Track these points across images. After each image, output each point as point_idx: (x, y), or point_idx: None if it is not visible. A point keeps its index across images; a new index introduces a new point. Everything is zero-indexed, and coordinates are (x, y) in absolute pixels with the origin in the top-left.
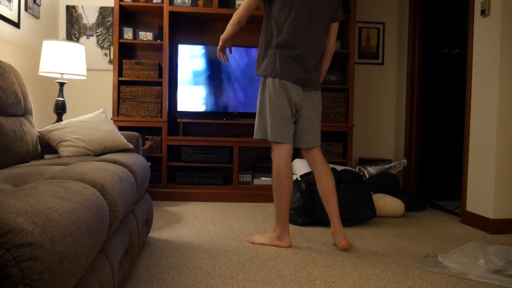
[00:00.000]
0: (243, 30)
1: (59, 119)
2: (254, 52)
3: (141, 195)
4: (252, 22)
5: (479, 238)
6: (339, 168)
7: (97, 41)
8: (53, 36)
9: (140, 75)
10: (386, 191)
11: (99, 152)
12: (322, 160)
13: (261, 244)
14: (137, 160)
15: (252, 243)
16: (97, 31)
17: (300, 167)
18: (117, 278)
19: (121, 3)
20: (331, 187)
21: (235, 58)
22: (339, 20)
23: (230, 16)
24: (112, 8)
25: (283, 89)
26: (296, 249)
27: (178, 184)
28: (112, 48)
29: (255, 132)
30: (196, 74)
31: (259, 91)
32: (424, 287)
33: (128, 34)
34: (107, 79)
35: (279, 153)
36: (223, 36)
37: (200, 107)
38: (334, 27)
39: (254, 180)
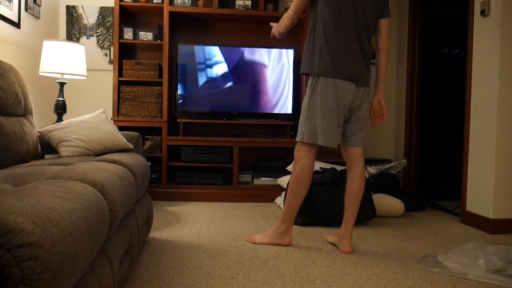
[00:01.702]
0: (243, 30)
1: (59, 119)
2: (254, 52)
3: (141, 195)
4: (252, 23)
5: (479, 238)
6: (339, 168)
7: (97, 41)
8: (53, 36)
9: (140, 75)
10: (386, 191)
11: (99, 152)
12: (363, 161)
13: (263, 243)
14: (137, 160)
15: (253, 243)
16: (97, 31)
17: None
18: (117, 278)
19: (121, 3)
20: (360, 192)
21: (235, 58)
22: (387, 16)
23: (230, 16)
24: (112, 8)
25: (335, 89)
26: (296, 249)
27: (178, 184)
28: (112, 48)
29: (299, 134)
30: (196, 74)
31: (309, 92)
32: (424, 287)
33: (128, 34)
34: (107, 79)
35: (307, 155)
36: (275, 31)
37: (200, 107)
38: (384, 22)
39: (254, 180)
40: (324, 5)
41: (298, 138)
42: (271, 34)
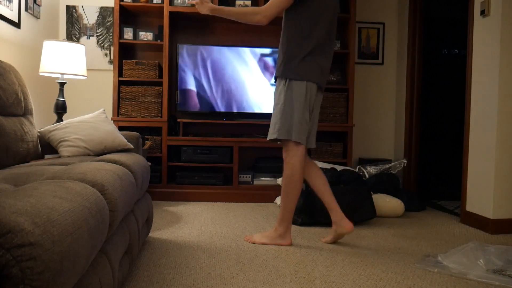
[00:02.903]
0: (243, 30)
1: (59, 119)
2: (254, 52)
3: (141, 195)
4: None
5: (479, 238)
6: (339, 168)
7: (97, 41)
8: (54, 36)
9: (140, 75)
10: (386, 191)
11: (99, 152)
12: (308, 157)
13: (263, 243)
14: (137, 160)
15: (253, 243)
16: (97, 31)
17: None
18: (117, 278)
19: (121, 3)
20: (325, 178)
21: (235, 58)
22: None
23: None
24: (112, 8)
25: (307, 92)
26: (296, 249)
27: (178, 184)
28: (112, 48)
29: (276, 132)
30: (196, 74)
31: (282, 91)
32: (424, 287)
33: (128, 34)
34: (107, 79)
35: (296, 154)
36: (214, 7)
37: (200, 107)
38: None
39: (254, 180)
40: (306, 14)
41: (275, 136)
42: (195, 3)
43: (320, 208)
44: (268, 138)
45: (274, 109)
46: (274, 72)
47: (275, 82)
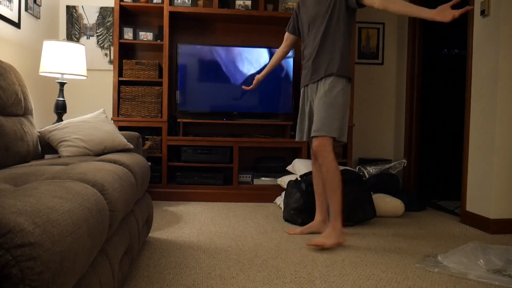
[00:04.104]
0: (243, 30)
1: (60, 119)
2: (254, 52)
3: (141, 195)
4: (252, 23)
5: (479, 238)
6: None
7: (97, 41)
8: (54, 36)
9: (140, 75)
10: (386, 191)
11: (99, 152)
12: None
13: (335, 245)
14: (137, 160)
15: (323, 246)
16: (97, 31)
17: (300, 167)
18: (117, 278)
19: (121, 3)
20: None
21: (235, 58)
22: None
23: (230, 16)
24: (112, 8)
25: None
26: (296, 249)
27: (178, 184)
28: (112, 48)
29: (336, 130)
30: (196, 74)
31: (341, 90)
32: (424, 287)
33: (128, 34)
34: (107, 79)
35: (332, 151)
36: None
37: (200, 107)
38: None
39: (254, 180)
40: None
41: (331, 134)
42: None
43: None
44: (321, 134)
45: (328, 106)
46: (310, 67)
47: (315, 78)
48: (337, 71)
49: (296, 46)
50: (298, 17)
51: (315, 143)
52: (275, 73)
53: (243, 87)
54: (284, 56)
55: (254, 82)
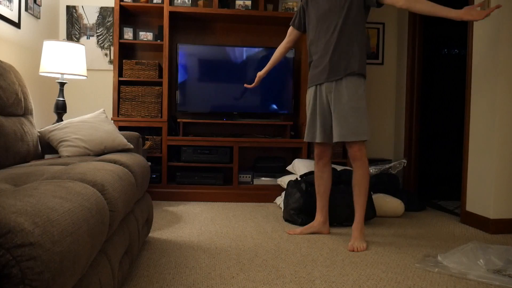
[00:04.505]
0: (243, 30)
1: (60, 119)
2: (254, 52)
3: (141, 195)
4: (252, 23)
5: (479, 238)
6: (339, 168)
7: (97, 41)
8: (54, 36)
9: (140, 75)
10: (386, 191)
11: (99, 152)
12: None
13: (365, 248)
14: (137, 160)
15: (359, 251)
16: (97, 31)
17: (300, 167)
18: (117, 278)
19: (121, 3)
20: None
21: (235, 58)
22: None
23: (230, 16)
24: (112, 8)
25: None
26: (296, 249)
27: (178, 184)
28: (112, 48)
29: (366, 133)
30: (196, 74)
31: (363, 91)
32: (424, 287)
33: (128, 34)
34: (107, 79)
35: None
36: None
37: (200, 107)
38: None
39: (254, 180)
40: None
41: (365, 138)
42: (485, 15)
43: None
44: (361, 139)
45: (356, 111)
46: (329, 67)
47: (333, 77)
48: (358, 69)
49: (296, 46)
50: (306, 12)
51: (354, 148)
52: (275, 73)
53: (245, 85)
54: (287, 51)
55: (256, 79)
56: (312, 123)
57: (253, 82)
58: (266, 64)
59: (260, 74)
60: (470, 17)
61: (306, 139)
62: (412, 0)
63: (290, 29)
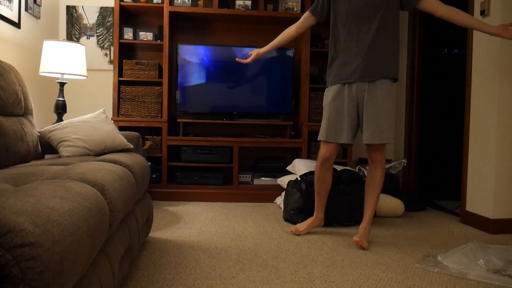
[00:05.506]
0: (243, 30)
1: (60, 119)
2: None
3: (141, 195)
4: (252, 23)
5: (479, 238)
6: (339, 168)
7: (97, 41)
8: (54, 36)
9: (140, 75)
10: (386, 191)
11: (99, 152)
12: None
13: (367, 247)
14: (137, 160)
15: (366, 247)
16: (98, 31)
17: (300, 167)
18: (117, 278)
19: (122, 3)
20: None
21: (235, 59)
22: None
23: (230, 16)
24: (112, 8)
25: None
26: (296, 249)
27: (178, 184)
28: (112, 48)
29: (391, 137)
30: (196, 74)
31: (392, 95)
32: (424, 287)
33: (128, 34)
34: (107, 79)
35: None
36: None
37: (200, 107)
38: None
39: (254, 180)
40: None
41: (391, 141)
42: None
43: None
44: (390, 142)
45: (387, 113)
46: (358, 68)
47: (368, 77)
48: (394, 74)
49: (296, 46)
50: (333, 5)
51: (378, 150)
52: (275, 73)
53: (237, 59)
54: (295, 36)
55: (253, 55)
56: (336, 122)
57: (253, 83)
58: (266, 64)
59: (259, 51)
60: (507, 36)
61: (325, 138)
62: (453, 11)
63: (307, 15)
